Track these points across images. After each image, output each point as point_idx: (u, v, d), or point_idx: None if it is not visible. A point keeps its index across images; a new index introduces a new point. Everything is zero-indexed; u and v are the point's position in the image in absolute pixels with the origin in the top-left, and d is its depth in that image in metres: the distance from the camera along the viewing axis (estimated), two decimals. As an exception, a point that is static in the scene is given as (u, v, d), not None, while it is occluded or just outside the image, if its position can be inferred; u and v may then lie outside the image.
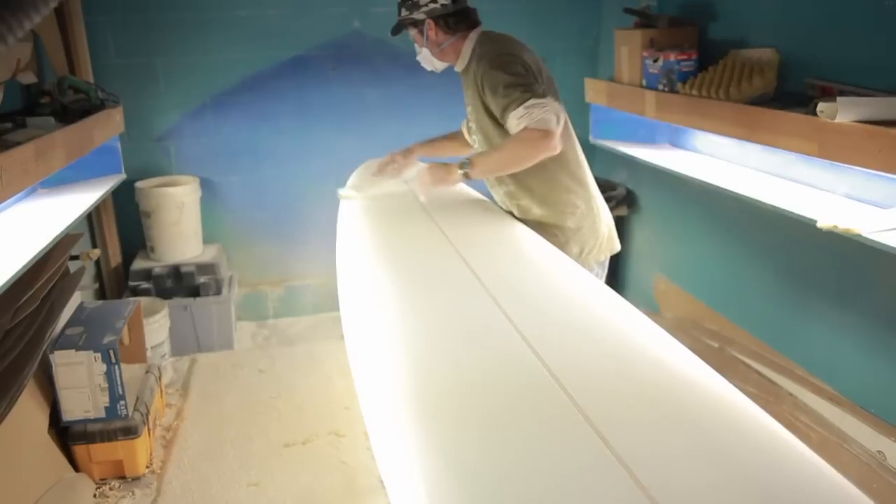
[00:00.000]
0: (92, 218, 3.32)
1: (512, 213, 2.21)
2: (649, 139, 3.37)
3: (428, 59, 2.21)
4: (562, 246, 2.02)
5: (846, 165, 2.29)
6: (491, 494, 0.89)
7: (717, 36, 2.86)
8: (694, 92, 2.62)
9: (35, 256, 2.02)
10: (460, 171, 2.00)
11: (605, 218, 2.21)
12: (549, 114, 1.86)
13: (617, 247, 2.25)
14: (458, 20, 2.12)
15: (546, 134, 1.86)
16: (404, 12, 2.16)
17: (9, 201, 2.54)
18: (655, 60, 2.86)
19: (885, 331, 2.21)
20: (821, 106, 2.01)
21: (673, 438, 0.96)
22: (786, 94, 2.42)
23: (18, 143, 1.86)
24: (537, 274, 1.67)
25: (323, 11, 3.46)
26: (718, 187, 2.60)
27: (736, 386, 1.11)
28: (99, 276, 3.42)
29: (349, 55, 3.55)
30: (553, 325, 1.30)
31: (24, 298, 1.96)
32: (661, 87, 2.84)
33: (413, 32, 2.20)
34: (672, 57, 2.78)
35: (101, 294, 3.43)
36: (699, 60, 2.78)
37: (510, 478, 0.91)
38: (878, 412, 2.23)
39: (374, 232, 2.04)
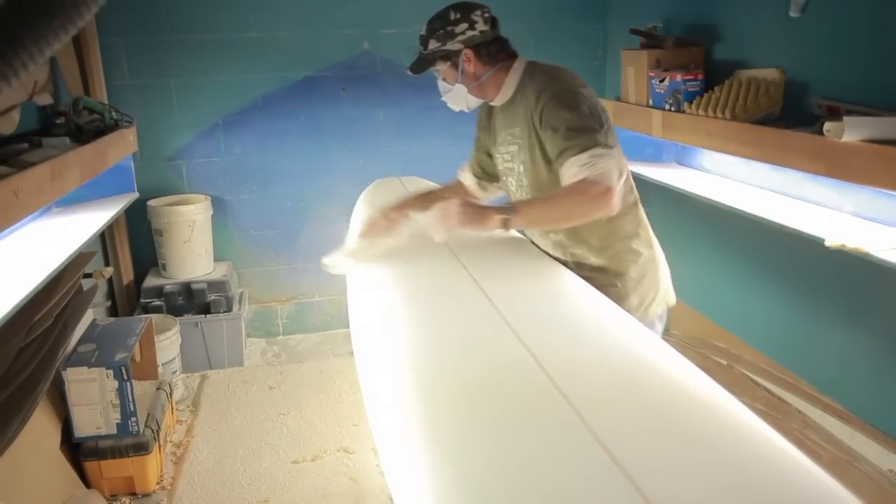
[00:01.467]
0: (105, 236, 3.36)
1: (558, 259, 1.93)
2: (656, 158, 3.39)
3: (460, 98, 1.90)
4: (620, 298, 1.81)
5: (853, 184, 2.31)
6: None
7: (722, 56, 2.88)
8: (700, 112, 2.65)
9: (49, 275, 2.05)
10: (499, 217, 1.64)
11: (663, 266, 1.98)
12: (613, 167, 1.60)
13: (673, 299, 2.01)
14: (499, 48, 1.85)
15: (606, 191, 1.58)
16: (434, 44, 1.84)
17: (24, 220, 2.58)
18: (662, 80, 2.89)
19: (894, 348, 2.21)
20: (827, 125, 2.03)
21: (679, 453, 0.96)
22: (792, 114, 2.44)
23: (34, 164, 1.90)
24: (543, 287, 1.66)
25: (332, 33, 3.51)
26: (725, 205, 2.62)
27: (744, 403, 1.11)
28: (111, 293, 3.45)
29: (358, 76, 3.60)
30: (558, 338, 1.30)
31: (37, 316, 1.98)
32: (667, 106, 2.87)
33: (444, 67, 1.87)
34: (678, 77, 2.81)
35: (114, 311, 3.46)
36: (705, 80, 2.80)
37: (519, 494, 0.92)
38: (888, 430, 2.23)
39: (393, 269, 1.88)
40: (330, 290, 3.72)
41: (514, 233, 2.01)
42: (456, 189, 2.20)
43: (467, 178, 2.17)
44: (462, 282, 1.61)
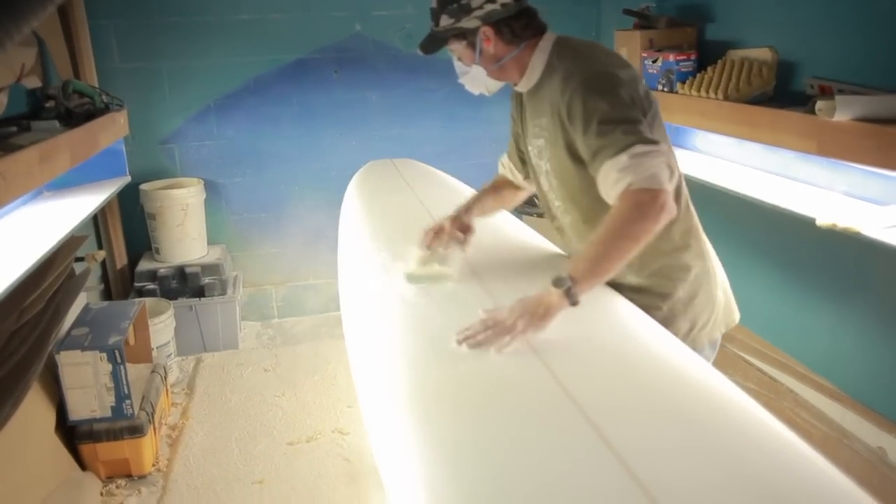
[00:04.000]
0: (98, 220, 3.35)
1: None
2: (650, 139, 3.38)
3: (479, 80, 1.60)
4: (665, 321, 1.49)
5: (845, 163, 2.30)
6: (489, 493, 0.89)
7: (715, 36, 2.87)
8: (693, 92, 2.64)
9: (40, 258, 2.04)
10: (562, 299, 1.24)
11: (720, 279, 1.66)
12: (661, 166, 1.29)
13: (736, 317, 1.71)
14: (526, 24, 1.53)
15: (657, 195, 1.26)
16: (446, 21, 1.53)
17: (14, 204, 2.57)
18: (654, 61, 2.88)
19: (885, 327, 2.22)
20: (819, 104, 2.03)
21: (671, 434, 0.96)
22: (785, 94, 2.43)
23: (22, 147, 1.89)
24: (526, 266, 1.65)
25: (324, 15, 3.49)
26: (718, 186, 2.62)
27: (737, 383, 1.10)
28: (105, 277, 3.45)
29: (351, 58, 3.58)
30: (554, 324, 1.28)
31: (29, 300, 1.98)
32: (660, 87, 2.86)
33: (459, 47, 1.57)
34: (671, 57, 2.80)
35: (107, 295, 3.46)
36: (698, 61, 2.79)
37: (507, 474, 0.92)
38: (878, 408, 2.24)
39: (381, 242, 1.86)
40: (324, 274, 3.72)
41: (537, 240, 1.85)
42: (500, 187, 1.86)
43: (507, 174, 1.84)
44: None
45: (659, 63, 2.85)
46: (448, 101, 3.68)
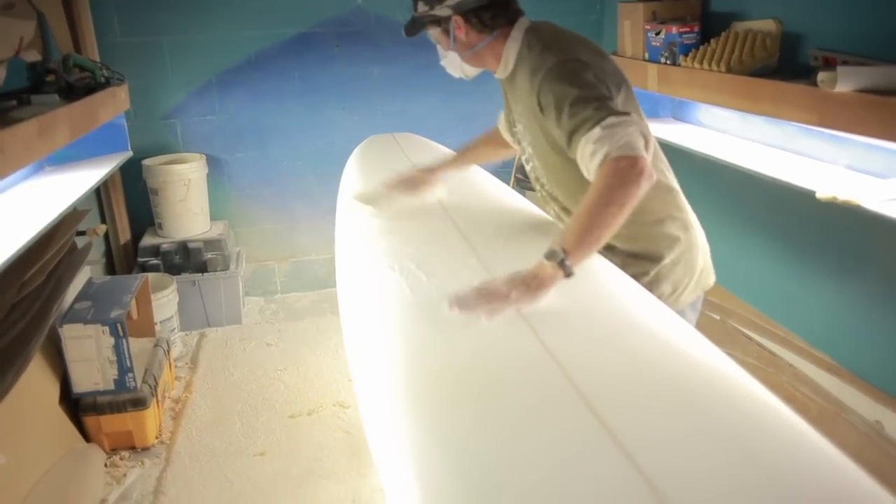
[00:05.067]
0: (101, 195, 3.36)
1: None
2: (652, 113, 3.35)
3: (456, 66, 1.70)
4: (651, 284, 1.60)
5: (847, 137, 2.29)
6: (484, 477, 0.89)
7: (719, 8, 2.84)
8: (695, 64, 2.61)
9: (41, 231, 2.05)
10: (555, 271, 1.24)
11: (702, 246, 1.74)
12: (635, 134, 1.33)
13: (711, 281, 1.78)
14: (495, 14, 1.59)
15: (636, 161, 1.30)
16: (422, 7, 1.63)
17: (16, 178, 2.58)
18: (658, 33, 2.85)
19: (884, 301, 2.21)
20: (821, 76, 2.01)
21: (664, 410, 0.95)
22: (789, 66, 2.40)
23: (22, 120, 1.89)
24: (521, 230, 1.65)
25: (325, -13, 3.46)
26: (720, 160, 2.60)
27: (736, 357, 1.10)
28: (108, 252, 3.47)
29: (353, 32, 3.55)
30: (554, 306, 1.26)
31: (30, 273, 2.00)
32: (663, 59, 2.83)
33: (435, 33, 1.66)
34: (674, 29, 2.77)
35: (111, 270, 3.48)
36: (701, 33, 2.76)
37: (498, 450, 0.92)
38: (876, 382, 2.25)
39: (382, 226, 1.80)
40: (327, 249, 3.72)
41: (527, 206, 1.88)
42: (490, 140, 1.98)
43: (502, 130, 1.91)
44: (449, 237, 1.60)
45: (662, 35, 2.82)
46: (450, 77, 3.64)
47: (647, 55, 2.96)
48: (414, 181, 1.86)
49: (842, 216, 2.18)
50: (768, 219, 2.69)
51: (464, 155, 2.00)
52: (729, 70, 2.43)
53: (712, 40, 2.62)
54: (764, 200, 2.67)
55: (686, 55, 2.70)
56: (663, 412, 0.94)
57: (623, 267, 1.51)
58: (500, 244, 1.56)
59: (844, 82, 1.93)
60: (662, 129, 3.10)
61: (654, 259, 1.63)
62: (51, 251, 2.14)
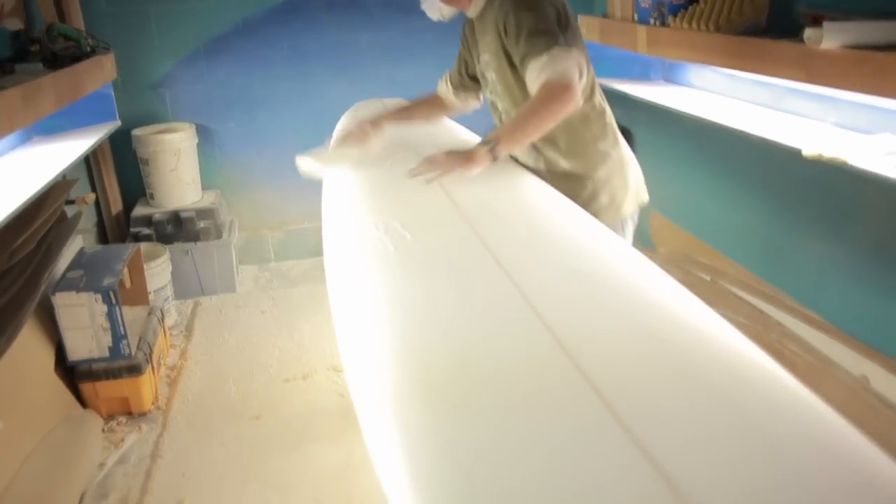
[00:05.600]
0: (91, 166, 3.36)
1: (530, 169, 1.97)
2: (643, 76, 3.34)
3: (433, 6, 1.95)
4: (590, 197, 1.90)
5: (835, 95, 2.29)
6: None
7: (709, -34, 2.80)
8: (684, 25, 2.59)
9: (29, 199, 2.06)
10: (485, 151, 1.68)
11: (633, 167, 2.03)
12: (573, 66, 1.65)
13: (645, 197, 2.07)
14: None
15: (568, 87, 1.63)
16: None
17: (3, 148, 2.58)
18: (647, -7, 2.83)
19: (870, 257, 2.23)
20: (807, 33, 1.99)
21: (652, 366, 0.95)
22: (778, 24, 2.38)
23: (5, 88, 1.89)
24: (525, 208, 1.65)
25: (312, -49, 3.42)
26: (710, 121, 2.60)
27: (726, 316, 1.09)
28: (101, 223, 3.47)
29: (341, -2, 3.52)
30: (536, 258, 1.28)
31: (19, 241, 2.01)
32: (652, 21, 2.81)
33: None
34: (663, -11, 2.74)
35: (104, 241, 3.49)
36: (691, -8, 2.74)
37: (482, 408, 0.93)
38: (863, 338, 2.27)
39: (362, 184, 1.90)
40: (320, 217, 3.72)
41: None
42: (433, 102, 2.24)
43: (443, 88, 2.21)
44: (435, 197, 1.61)
45: (651, -5, 2.80)
46: (439, 41, 3.61)
47: (636, 17, 2.94)
48: (359, 134, 2.06)
49: (829, 174, 2.19)
50: (757, 179, 2.69)
51: (406, 110, 2.23)
52: (717, 29, 2.41)
53: (701, 0, 2.60)
54: (752, 160, 2.67)
55: (675, 16, 2.68)
56: (641, 360, 0.96)
57: (564, 183, 1.84)
58: (485, 202, 1.57)
59: (831, 38, 1.92)
60: (653, 92, 3.09)
61: (589, 173, 1.91)
62: (40, 219, 2.15)
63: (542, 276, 1.19)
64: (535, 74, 1.67)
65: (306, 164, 2.11)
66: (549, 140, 1.87)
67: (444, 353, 1.04)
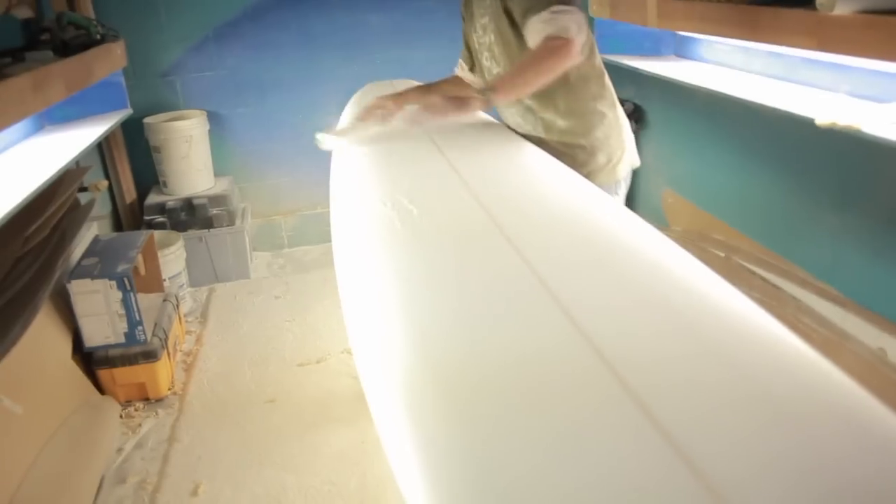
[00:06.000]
0: (104, 154, 3.38)
1: (528, 137, 1.98)
2: (654, 51, 3.30)
3: None
4: (588, 157, 1.94)
5: (848, 64, 2.24)
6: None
7: (720, -64, 2.76)
8: (695, -4, 2.55)
9: (43, 185, 2.07)
10: (480, 98, 1.77)
11: (627, 130, 2.07)
12: (572, 22, 1.71)
13: (637, 160, 2.11)
14: None
15: (567, 42, 1.68)
16: None
17: (16, 137, 2.60)
18: (657, -34, 2.78)
19: (887, 227, 2.19)
20: (820, -1, 1.96)
21: (652, 321, 0.94)
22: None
23: (15, 75, 1.89)
24: (529, 178, 1.64)
25: (319, -67, 3.41)
26: (722, 94, 2.56)
27: (741, 292, 1.06)
28: (115, 212, 3.50)
29: (349, -21, 3.51)
30: (542, 228, 1.26)
31: (33, 227, 2.02)
32: (662, -7, 2.76)
33: None
34: (673, -39, 2.70)
35: (119, 229, 3.52)
36: (701, -37, 2.69)
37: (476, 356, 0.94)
38: (880, 310, 2.24)
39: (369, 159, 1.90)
40: (332, 202, 3.74)
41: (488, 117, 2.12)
42: (455, 81, 2.24)
43: (463, 71, 2.22)
44: (441, 171, 1.60)
45: (661, -32, 2.75)
46: (450, 21, 3.56)
47: (646, -10, 2.90)
48: (380, 110, 2.06)
49: (843, 143, 2.15)
50: (770, 152, 2.65)
51: (428, 87, 2.24)
52: (728, 0, 2.37)
53: (712, -30, 2.56)
54: (766, 133, 2.63)
55: (685, -13, 2.64)
56: (658, 334, 0.92)
57: (562, 144, 1.91)
58: (490, 175, 1.57)
59: (844, 4, 1.88)
60: (665, 67, 3.05)
61: (587, 133, 1.93)
62: (53, 206, 2.17)
63: (548, 247, 1.17)
64: (537, 28, 1.71)
65: (328, 141, 2.16)
66: (548, 101, 1.91)
67: (451, 333, 1.02)
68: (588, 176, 1.76)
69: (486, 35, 1.96)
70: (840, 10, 1.88)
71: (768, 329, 0.95)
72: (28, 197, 1.94)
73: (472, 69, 2.16)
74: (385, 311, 1.14)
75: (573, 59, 1.72)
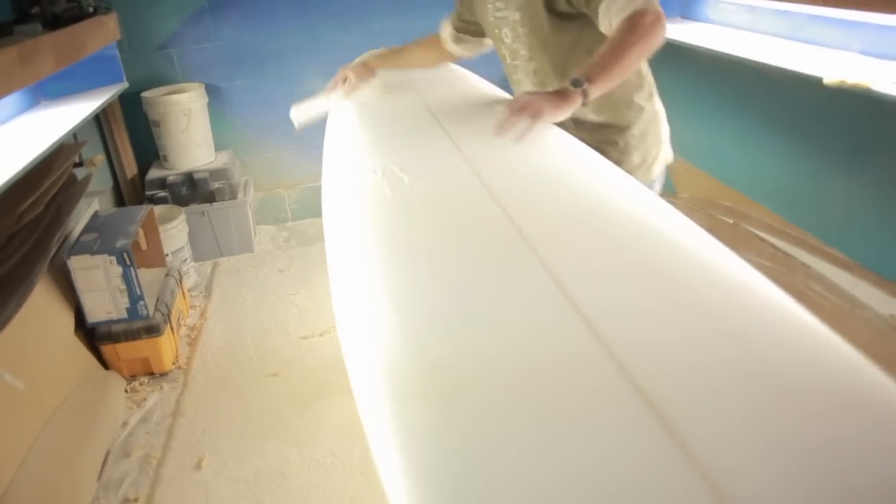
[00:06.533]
0: (104, 130, 3.35)
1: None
2: (661, 13, 3.22)
3: None
4: (620, 157, 1.72)
5: (857, 21, 2.17)
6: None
7: None
8: (701, -47, 2.48)
9: (37, 158, 2.04)
10: (578, 92, 1.39)
11: (664, 122, 1.83)
12: None
13: (671, 155, 1.87)
14: None
15: (660, 17, 1.41)
16: None
17: (10, 112, 2.57)
18: (661, -77, 2.70)
19: (898, 191, 2.14)
20: (829, -48, 1.89)
21: (650, 296, 0.91)
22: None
23: (1, 48, 1.86)
24: (531, 152, 1.58)
25: None
26: (729, 55, 2.50)
27: (749, 260, 1.01)
28: (117, 187, 3.48)
29: (346, -55, 3.43)
30: (539, 197, 1.21)
31: (28, 202, 2.00)
32: (667, -48, 2.69)
33: None
34: (678, -83, 2.62)
35: (120, 205, 3.49)
36: (707, -81, 2.61)
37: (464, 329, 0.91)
38: (891, 276, 2.19)
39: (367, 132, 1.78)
40: (334, 174, 3.70)
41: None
42: (428, 44, 2.04)
43: (446, 30, 1.98)
44: (436, 138, 1.55)
45: (665, -74, 2.67)
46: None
47: (651, -51, 2.81)
48: (350, 78, 2.00)
49: (853, 104, 2.09)
50: (778, 115, 2.59)
51: (397, 52, 2.08)
52: (735, -44, 2.30)
53: (718, -74, 2.48)
54: (774, 95, 2.56)
55: (691, -55, 2.56)
56: (660, 313, 0.88)
57: (593, 141, 1.63)
58: (487, 141, 1.51)
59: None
60: (671, 29, 2.96)
61: (622, 128, 1.72)
62: (49, 181, 2.14)
63: (544, 216, 1.13)
64: (619, 7, 1.43)
65: (295, 114, 2.11)
66: None
67: (437, 312, 0.97)
68: None
69: (507, 10, 1.69)
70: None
71: (774, 301, 0.91)
72: (21, 171, 1.91)
73: (458, 32, 1.95)
74: (370, 287, 1.11)
75: (664, 36, 1.44)
